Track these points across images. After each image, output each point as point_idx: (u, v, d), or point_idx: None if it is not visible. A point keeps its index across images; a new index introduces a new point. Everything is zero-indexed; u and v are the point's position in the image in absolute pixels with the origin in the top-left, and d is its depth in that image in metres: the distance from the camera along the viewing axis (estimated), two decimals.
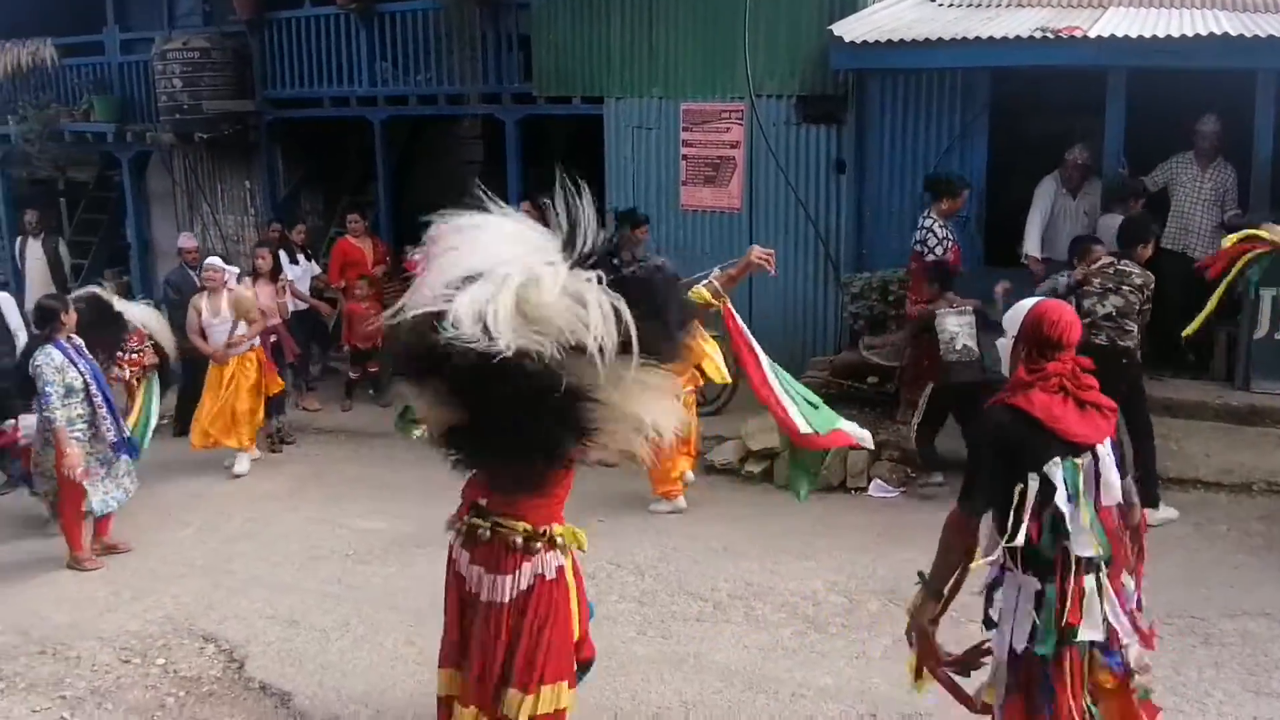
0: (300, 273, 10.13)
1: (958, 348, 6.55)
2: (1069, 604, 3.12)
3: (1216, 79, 7.39)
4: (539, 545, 3.62)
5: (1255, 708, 4.25)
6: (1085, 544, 3.11)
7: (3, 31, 13.59)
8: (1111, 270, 6.11)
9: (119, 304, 7.63)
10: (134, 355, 7.50)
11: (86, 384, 6.35)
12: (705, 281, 5.93)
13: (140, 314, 7.81)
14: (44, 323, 6.44)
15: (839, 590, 5.53)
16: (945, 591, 3.44)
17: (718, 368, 6.21)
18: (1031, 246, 7.86)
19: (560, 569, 3.68)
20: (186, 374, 8.81)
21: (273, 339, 9.05)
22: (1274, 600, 5.14)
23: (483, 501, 3.68)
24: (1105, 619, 3.16)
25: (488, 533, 3.62)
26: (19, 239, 12.42)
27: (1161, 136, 7.92)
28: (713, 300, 5.80)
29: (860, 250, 8.69)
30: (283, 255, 9.81)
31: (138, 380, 7.56)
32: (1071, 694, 3.14)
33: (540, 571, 3.62)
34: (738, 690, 4.64)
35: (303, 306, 9.91)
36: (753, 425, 7.39)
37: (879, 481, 6.99)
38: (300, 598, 5.87)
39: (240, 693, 4.89)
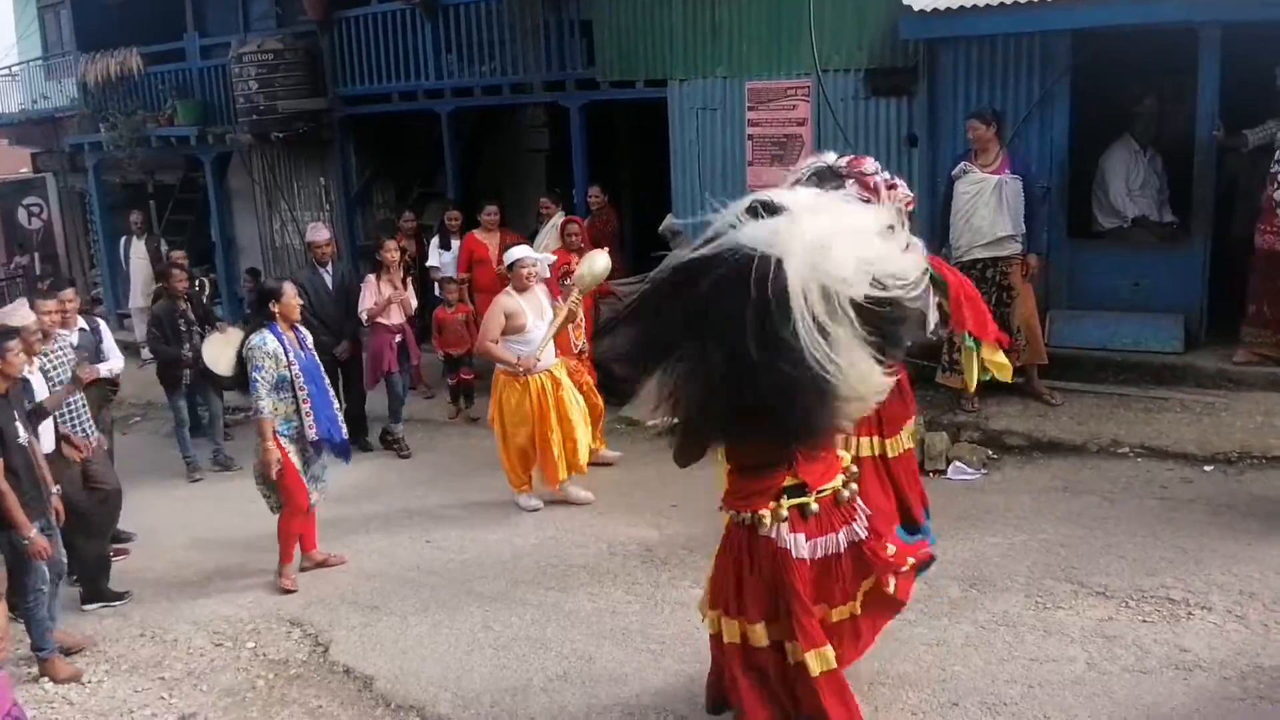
0: (450, 259, 9.77)
1: None
2: None
3: None
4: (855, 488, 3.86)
5: None
6: None
7: (92, 44, 14.19)
8: None
9: None
10: None
11: (294, 377, 5.94)
12: None
13: None
14: (261, 304, 6.14)
15: (918, 576, 5.42)
16: None
17: None
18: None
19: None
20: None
21: (398, 339, 8.64)
22: None
23: (796, 479, 3.69)
24: None
25: (815, 505, 3.72)
26: (124, 239, 12.99)
27: (1258, 98, 7.53)
28: None
29: (933, 226, 8.49)
30: (435, 241, 9.81)
31: None
32: None
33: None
34: None
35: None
36: None
37: (959, 464, 6.85)
38: (380, 583, 6.02)
39: (325, 676, 5.05)
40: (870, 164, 4.55)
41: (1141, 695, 4.18)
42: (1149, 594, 4.96)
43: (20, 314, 5.80)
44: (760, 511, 3.66)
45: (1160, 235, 7.95)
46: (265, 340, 5.92)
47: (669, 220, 9.29)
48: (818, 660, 3.63)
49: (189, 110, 13.23)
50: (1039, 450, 6.90)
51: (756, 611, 3.72)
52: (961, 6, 7.42)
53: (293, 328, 6.16)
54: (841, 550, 3.72)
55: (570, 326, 7.32)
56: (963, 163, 7.44)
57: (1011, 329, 7.09)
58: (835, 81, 8.57)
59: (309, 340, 6.31)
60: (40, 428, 5.53)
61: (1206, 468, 6.48)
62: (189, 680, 5.09)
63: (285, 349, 5.96)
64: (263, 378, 5.86)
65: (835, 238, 3.26)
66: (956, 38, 8.00)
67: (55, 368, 6.13)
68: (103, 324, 7.59)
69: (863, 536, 3.75)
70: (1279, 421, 6.78)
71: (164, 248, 12.67)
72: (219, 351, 8.24)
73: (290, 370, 5.92)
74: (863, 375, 3.30)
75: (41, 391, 5.81)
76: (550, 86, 10.48)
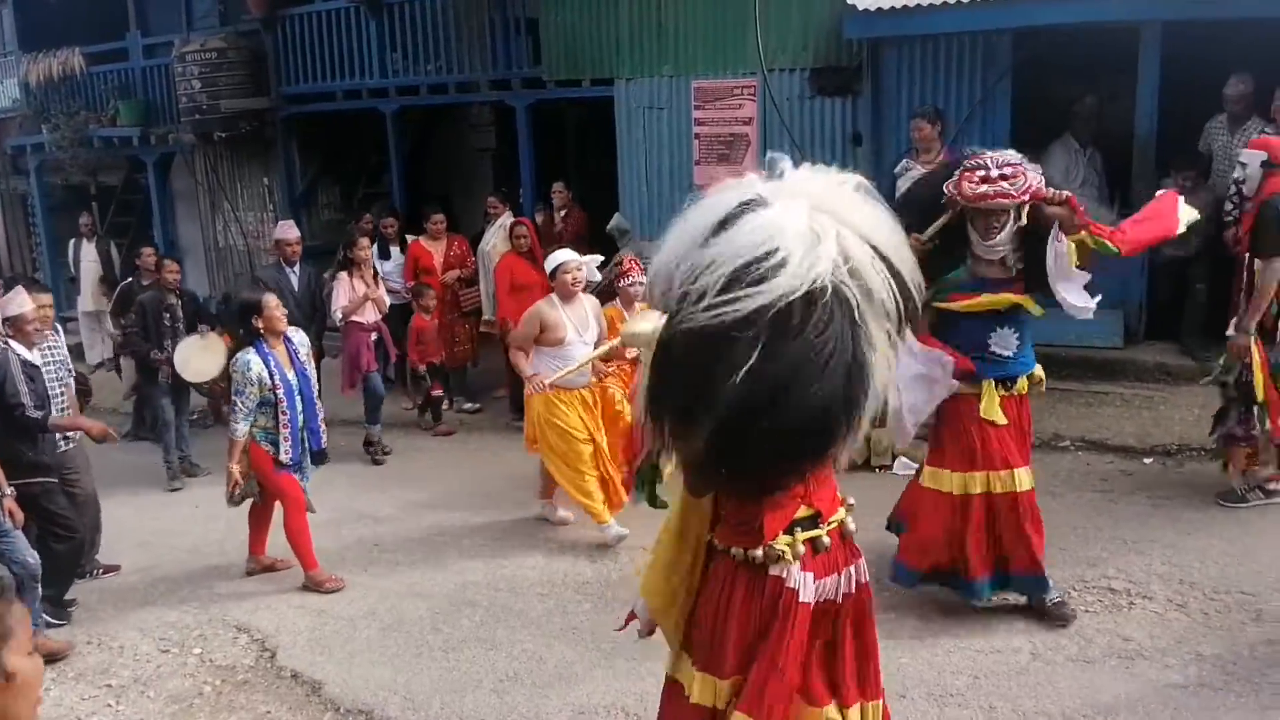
0: (392, 267, 9.54)
1: None
2: None
3: (1252, 37, 7.10)
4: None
5: None
6: None
7: (34, 43, 13.94)
8: None
9: None
10: None
11: (278, 399, 5.79)
12: None
13: None
14: (244, 320, 5.90)
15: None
16: None
17: None
18: None
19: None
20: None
21: (374, 337, 8.52)
22: None
23: (811, 509, 2.98)
24: None
25: (829, 541, 2.99)
26: (73, 241, 12.68)
27: (1196, 97, 7.68)
28: None
29: None
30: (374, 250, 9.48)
31: None
32: None
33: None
34: None
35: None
36: None
37: (904, 460, 6.92)
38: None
39: (273, 681, 4.99)
40: (985, 158, 4.46)
41: (1085, 684, 4.25)
42: (1091, 584, 5.05)
43: (18, 301, 5.60)
44: (777, 545, 2.91)
45: None
46: (250, 365, 5.75)
47: (617, 219, 9.31)
48: None
49: (132, 110, 13.04)
50: None
51: (730, 667, 2.98)
52: (905, 6, 7.52)
53: (284, 339, 5.96)
54: (840, 596, 3.01)
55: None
56: (905, 160, 7.53)
57: None
58: (781, 81, 8.63)
59: (303, 350, 6.07)
60: None
61: (1146, 460, 6.62)
62: (135, 687, 5.00)
63: (271, 370, 5.78)
64: (243, 403, 5.75)
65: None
66: (900, 37, 8.10)
67: (49, 365, 5.93)
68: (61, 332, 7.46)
69: (864, 580, 3.06)
70: None
71: (114, 252, 12.45)
72: (191, 356, 8.05)
73: (275, 394, 5.79)
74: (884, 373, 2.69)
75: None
76: (496, 85, 10.44)
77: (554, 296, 6.21)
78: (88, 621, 5.81)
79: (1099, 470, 6.43)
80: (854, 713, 3.00)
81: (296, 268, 8.50)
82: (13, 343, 5.54)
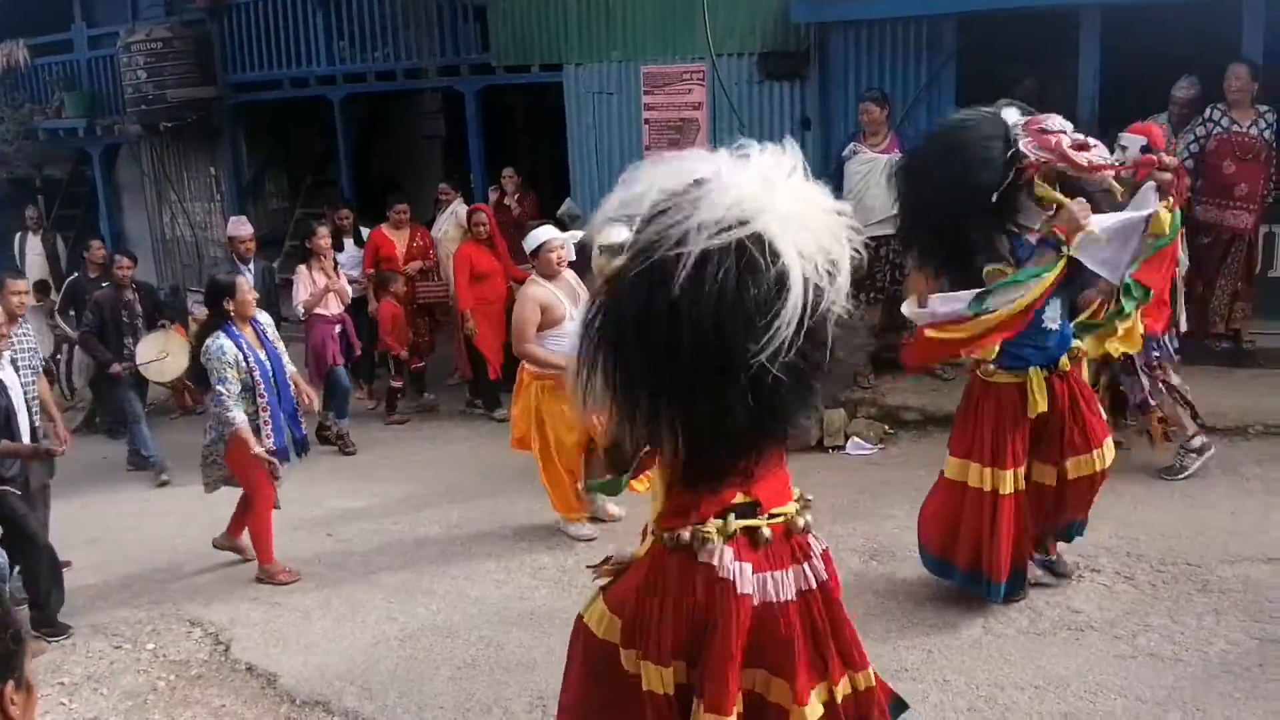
0: (347, 259, 9.24)
1: None
2: None
3: (1197, 34, 7.23)
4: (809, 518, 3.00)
5: (1260, 654, 4.20)
6: None
7: None
8: None
9: None
10: None
11: (255, 384, 5.66)
12: None
13: None
14: (214, 303, 5.74)
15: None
16: None
17: None
18: None
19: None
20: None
21: (338, 329, 8.27)
22: (1275, 544, 5.08)
23: (749, 498, 2.88)
24: None
25: (768, 530, 2.88)
26: (19, 235, 12.44)
27: (1136, 79, 7.78)
28: None
29: None
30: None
31: None
32: None
33: (824, 545, 3.05)
34: None
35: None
36: None
37: (857, 440, 7.01)
38: None
39: (228, 675, 4.93)
40: (1056, 121, 4.14)
41: (1036, 656, 4.32)
42: (1041, 560, 5.14)
43: None
44: (705, 527, 2.82)
45: None
46: (224, 349, 5.58)
47: (568, 204, 9.29)
48: None
49: (77, 102, 12.86)
50: (934, 424, 7.08)
51: (669, 655, 2.88)
52: None
53: (250, 321, 5.81)
54: (791, 598, 2.88)
55: None
56: (852, 144, 7.59)
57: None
58: (729, 66, 8.64)
59: (270, 330, 5.93)
60: None
61: None
62: (89, 684, 4.92)
63: (245, 353, 5.64)
64: (227, 389, 5.56)
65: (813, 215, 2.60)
66: (847, 22, 8.15)
67: (21, 353, 5.71)
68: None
69: (823, 579, 2.94)
70: None
71: (60, 245, 12.26)
72: (154, 350, 7.87)
73: (252, 376, 5.65)
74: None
75: (13, 385, 5.36)
76: (445, 72, 10.34)
77: (536, 277, 6.02)
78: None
79: None
80: (842, 686, 2.96)
81: (251, 264, 8.34)
82: None
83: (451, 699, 4.46)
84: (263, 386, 5.68)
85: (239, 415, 5.59)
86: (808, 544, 2.96)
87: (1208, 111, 7.02)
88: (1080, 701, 3.98)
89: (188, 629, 5.41)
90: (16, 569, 5.50)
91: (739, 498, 2.86)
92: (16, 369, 5.64)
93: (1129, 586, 4.85)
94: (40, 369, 6.00)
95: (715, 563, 2.81)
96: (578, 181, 9.49)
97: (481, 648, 4.87)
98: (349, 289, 8.49)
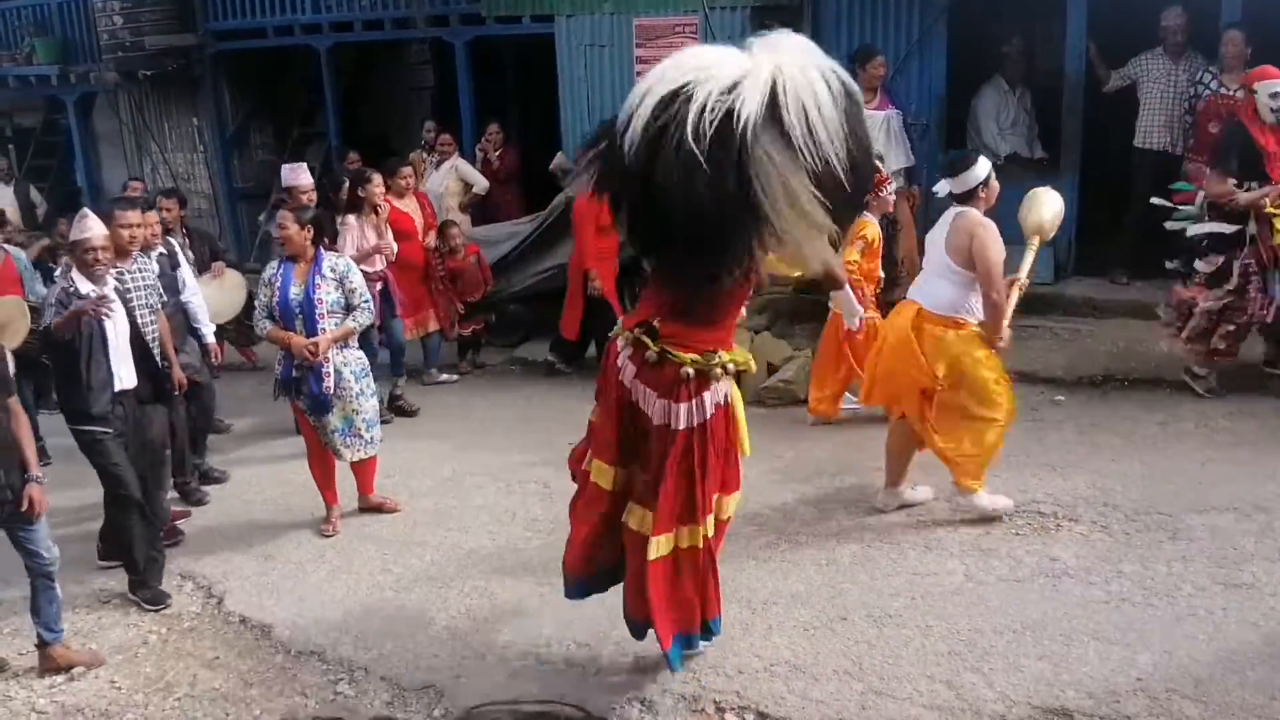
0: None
1: None
2: None
3: None
4: (717, 372, 3.69)
5: (1224, 599, 4.35)
6: None
7: None
8: None
9: None
10: None
11: (273, 307, 5.63)
12: None
13: None
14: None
15: (808, 501, 5.63)
16: None
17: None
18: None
19: (727, 393, 3.78)
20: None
21: (380, 286, 7.38)
22: (1241, 495, 5.23)
23: (655, 321, 3.69)
24: None
25: (655, 356, 3.66)
26: None
27: (1127, 40, 7.82)
28: None
29: None
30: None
31: None
32: None
33: (719, 400, 3.72)
34: None
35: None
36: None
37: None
38: (274, 533, 5.93)
39: (221, 627, 4.96)
40: None
41: (1015, 601, 4.45)
42: (1021, 509, 5.26)
43: (83, 225, 5.07)
44: (620, 329, 3.81)
45: (1032, 170, 8.25)
46: (269, 266, 5.80)
47: (560, 158, 9.23)
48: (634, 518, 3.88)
49: (48, 48, 12.56)
50: None
51: (608, 453, 3.86)
52: None
53: (314, 260, 5.65)
54: (652, 425, 3.71)
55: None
56: None
57: (895, 260, 7.32)
58: (721, 19, 8.60)
59: (329, 275, 5.64)
60: None
61: (1074, 391, 6.85)
62: (78, 640, 4.88)
63: (277, 277, 5.64)
64: (259, 304, 5.81)
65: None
66: None
67: (137, 290, 5.37)
68: (177, 245, 6.70)
69: (706, 419, 3.69)
70: (1140, 347, 7.23)
71: (35, 195, 12.07)
72: (216, 296, 7.50)
73: (272, 301, 5.65)
74: (806, 221, 3.39)
75: (120, 319, 5.09)
76: (434, 21, 10.23)
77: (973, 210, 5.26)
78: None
79: (1030, 401, 6.63)
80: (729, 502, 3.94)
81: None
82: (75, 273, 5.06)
83: (446, 648, 4.53)
84: (279, 313, 5.64)
85: (266, 324, 5.73)
86: (700, 389, 3.66)
87: (1199, 74, 7.14)
88: (1056, 645, 4.12)
89: (179, 582, 5.39)
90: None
91: (655, 320, 3.67)
92: (125, 302, 5.20)
93: (1104, 535, 4.99)
94: (158, 307, 5.63)
95: (618, 348, 3.79)
96: (569, 135, 9.42)
97: (475, 598, 4.94)
98: (394, 246, 7.53)
